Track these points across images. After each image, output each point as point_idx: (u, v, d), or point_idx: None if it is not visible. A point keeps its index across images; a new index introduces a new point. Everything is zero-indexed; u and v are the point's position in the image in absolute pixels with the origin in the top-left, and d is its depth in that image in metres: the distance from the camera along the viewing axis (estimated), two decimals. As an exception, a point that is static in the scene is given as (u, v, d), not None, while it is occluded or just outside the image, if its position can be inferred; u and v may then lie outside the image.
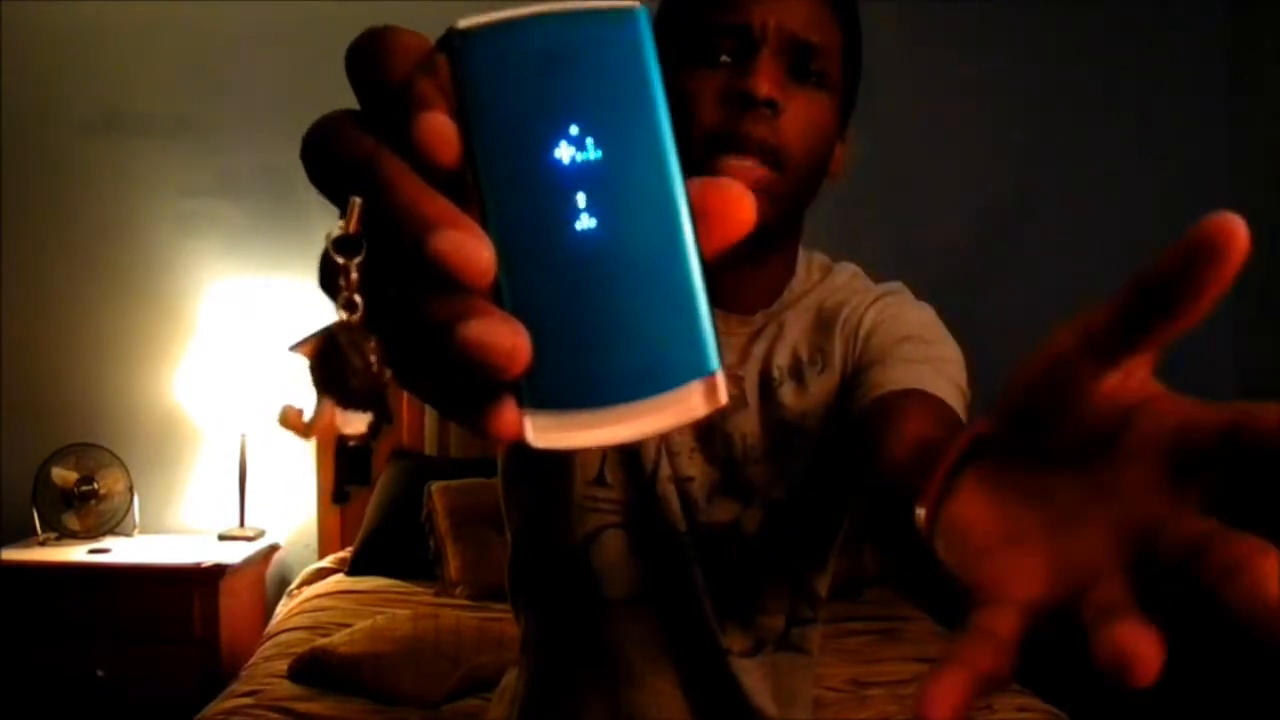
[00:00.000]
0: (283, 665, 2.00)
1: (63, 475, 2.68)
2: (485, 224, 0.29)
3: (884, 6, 3.03)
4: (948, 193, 3.04)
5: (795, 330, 0.91)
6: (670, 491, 0.91)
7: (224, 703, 1.88)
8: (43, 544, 2.63)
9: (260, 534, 2.74)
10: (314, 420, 0.32)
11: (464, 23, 0.30)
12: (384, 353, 0.30)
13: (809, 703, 1.00)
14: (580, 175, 0.30)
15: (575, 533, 0.92)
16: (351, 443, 0.32)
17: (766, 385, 0.90)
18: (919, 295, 0.98)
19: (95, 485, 2.70)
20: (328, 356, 0.31)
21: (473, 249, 0.28)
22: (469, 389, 0.30)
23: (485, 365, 0.28)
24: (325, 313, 0.30)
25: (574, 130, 0.30)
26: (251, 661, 2.13)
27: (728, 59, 0.80)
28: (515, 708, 1.01)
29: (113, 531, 2.71)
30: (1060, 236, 3.08)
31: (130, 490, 2.74)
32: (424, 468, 2.72)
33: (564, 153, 0.30)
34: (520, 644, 1.03)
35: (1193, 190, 3.10)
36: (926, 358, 0.83)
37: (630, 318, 0.30)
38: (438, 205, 0.29)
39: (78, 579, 2.46)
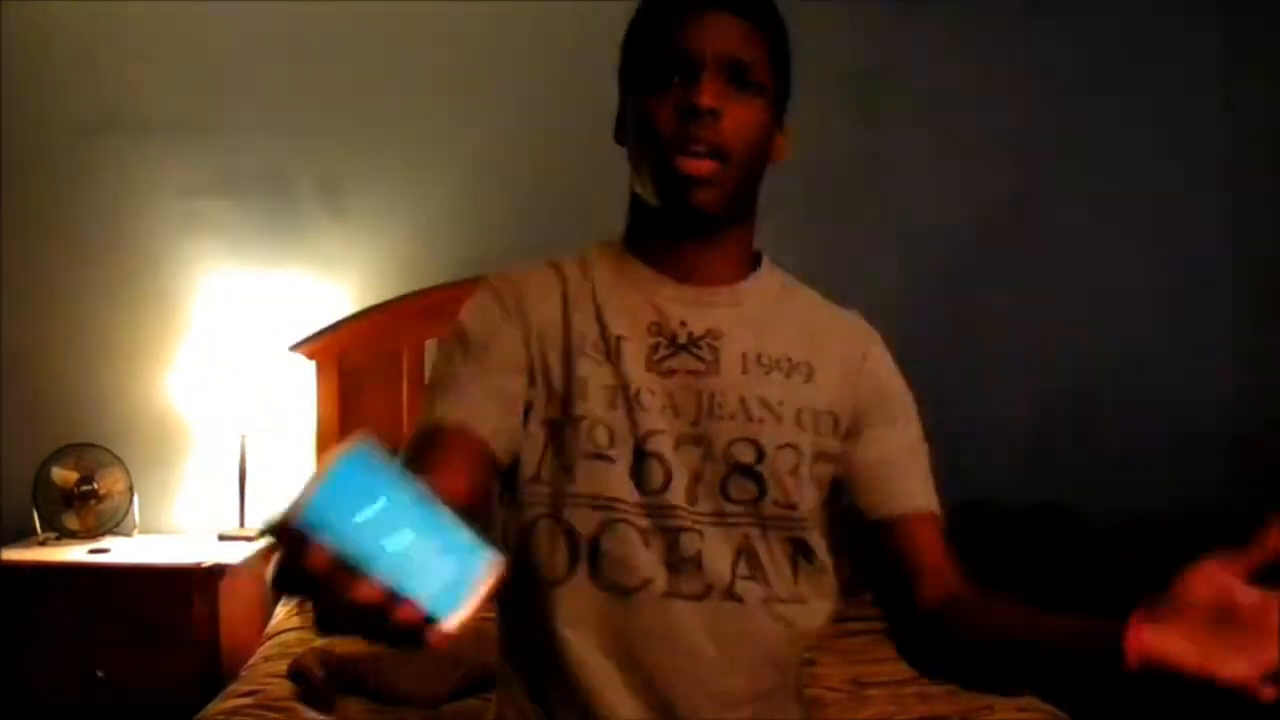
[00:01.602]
0: (283, 665, 2.00)
1: (63, 475, 2.68)
2: (372, 566, 0.58)
3: (884, 6, 3.03)
4: (948, 193, 3.04)
5: (779, 335, 1.08)
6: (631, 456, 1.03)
7: (224, 703, 1.88)
8: (43, 544, 2.63)
9: (260, 534, 2.74)
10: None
11: (287, 516, 0.60)
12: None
13: (764, 646, 1.05)
14: (388, 523, 0.59)
15: (521, 526, 1.04)
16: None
17: (745, 361, 1.06)
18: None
19: (95, 485, 2.70)
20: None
21: (409, 614, 0.59)
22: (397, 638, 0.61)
23: (411, 634, 0.60)
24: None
25: (373, 510, 0.58)
26: (251, 661, 2.13)
27: (678, 79, 1.00)
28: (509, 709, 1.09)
29: (112, 531, 2.71)
30: (1060, 236, 3.08)
31: (130, 490, 2.74)
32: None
33: (374, 522, 0.58)
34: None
35: (1192, 190, 3.10)
36: (925, 470, 1.10)
37: (450, 566, 0.61)
38: (375, 598, 0.59)
39: (78, 579, 2.46)
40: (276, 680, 1.96)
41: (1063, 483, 2.90)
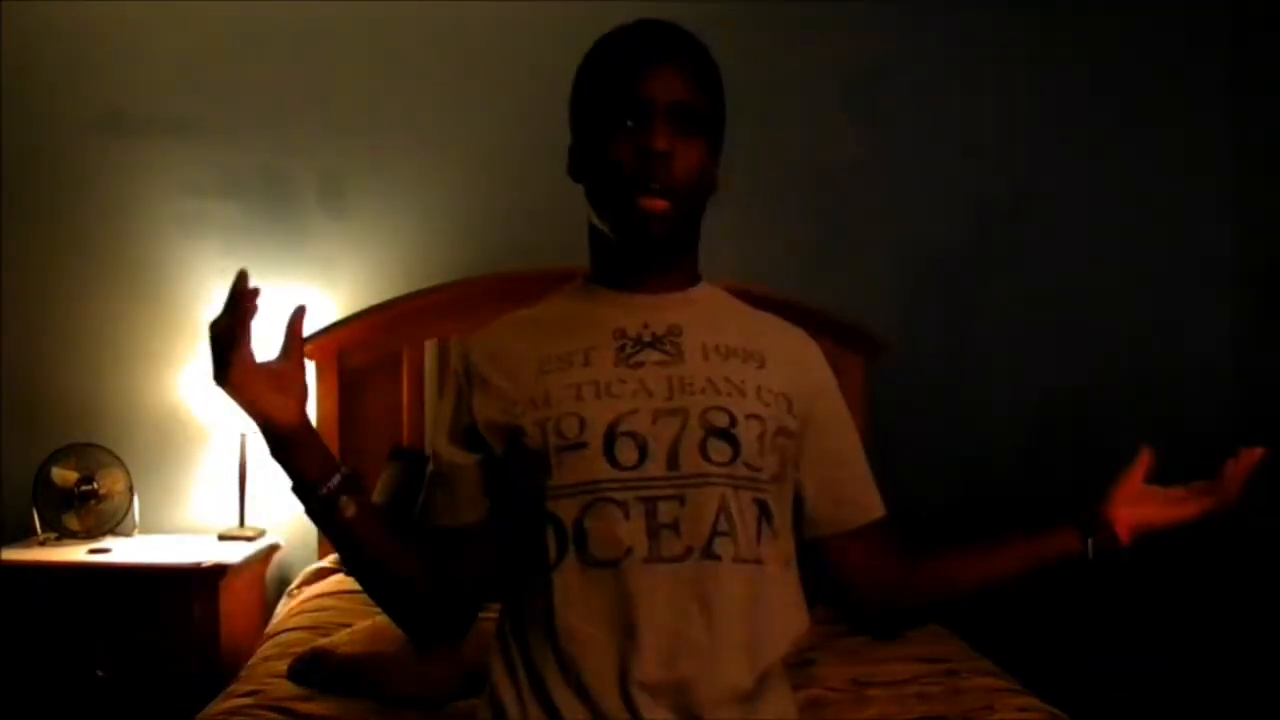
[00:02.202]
0: (283, 665, 1.99)
1: (63, 475, 2.68)
2: None
3: (885, 8, 3.03)
4: (948, 193, 3.04)
5: (730, 330, 1.20)
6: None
7: (224, 703, 1.87)
8: (43, 544, 2.63)
9: (260, 534, 2.74)
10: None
11: None
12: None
13: (740, 603, 1.10)
14: None
15: (514, 526, 1.17)
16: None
17: (706, 350, 1.17)
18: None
19: (95, 485, 2.70)
20: None
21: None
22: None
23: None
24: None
25: None
26: (251, 661, 2.13)
27: (632, 123, 1.13)
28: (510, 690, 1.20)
29: (113, 531, 2.71)
30: (1060, 236, 3.08)
31: (130, 490, 2.74)
32: (424, 467, 2.72)
33: None
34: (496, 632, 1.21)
35: (1194, 190, 3.10)
36: (867, 473, 1.25)
37: None
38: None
39: (78, 579, 2.46)
40: (276, 680, 1.95)
41: (1063, 483, 2.90)
